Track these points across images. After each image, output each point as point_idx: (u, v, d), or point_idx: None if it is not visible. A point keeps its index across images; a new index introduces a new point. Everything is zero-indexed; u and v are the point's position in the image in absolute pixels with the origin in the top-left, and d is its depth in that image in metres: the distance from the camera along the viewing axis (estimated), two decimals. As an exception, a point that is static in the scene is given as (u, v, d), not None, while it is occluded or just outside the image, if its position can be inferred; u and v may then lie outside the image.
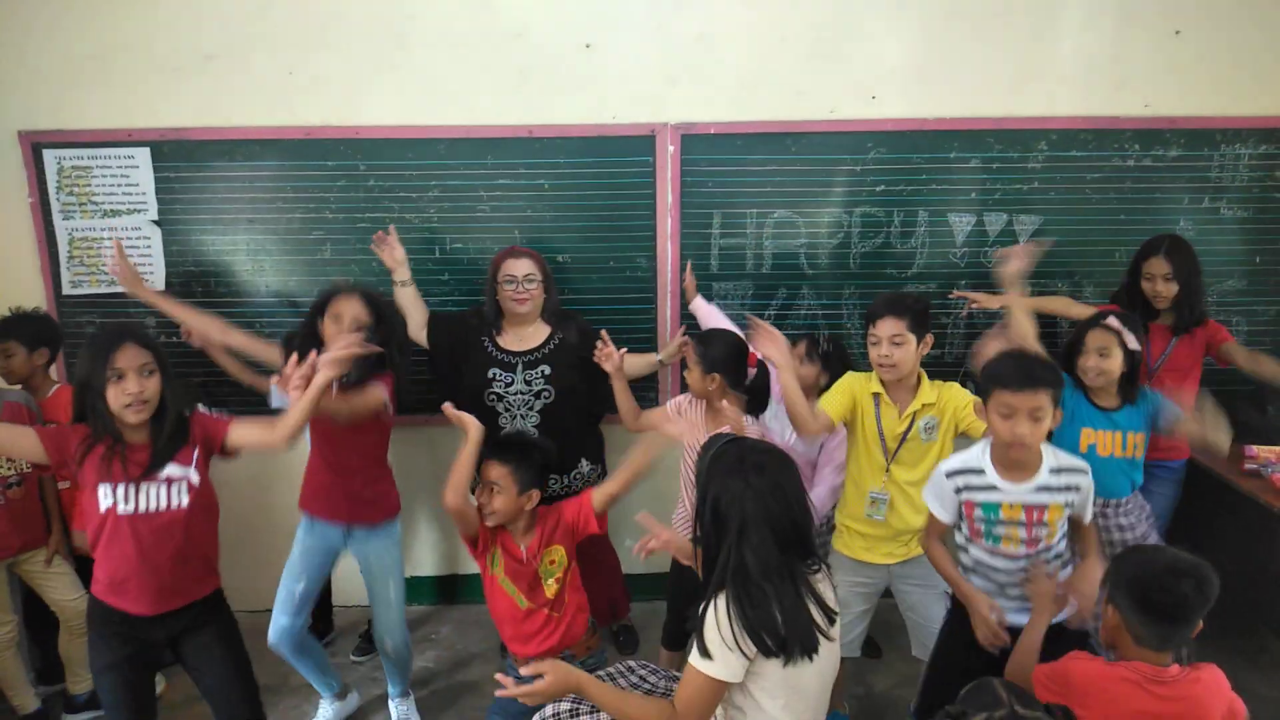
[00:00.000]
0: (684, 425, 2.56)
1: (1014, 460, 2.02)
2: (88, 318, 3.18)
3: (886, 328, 2.29)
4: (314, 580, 2.64)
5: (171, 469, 2.03)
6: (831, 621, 1.70)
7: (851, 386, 2.43)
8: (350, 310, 2.45)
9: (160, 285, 3.15)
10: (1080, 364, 2.46)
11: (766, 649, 1.61)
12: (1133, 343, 2.41)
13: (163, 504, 2.02)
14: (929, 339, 2.35)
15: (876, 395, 2.38)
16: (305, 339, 2.47)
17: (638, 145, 3.06)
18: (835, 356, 2.80)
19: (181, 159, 3.07)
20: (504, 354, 2.81)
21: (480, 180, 3.09)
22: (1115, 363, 2.41)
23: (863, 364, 2.52)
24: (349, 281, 2.62)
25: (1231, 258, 3.16)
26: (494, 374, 2.79)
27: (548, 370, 2.80)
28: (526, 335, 2.85)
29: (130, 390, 1.95)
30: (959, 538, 2.18)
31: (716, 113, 3.05)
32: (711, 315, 3.03)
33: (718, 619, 1.62)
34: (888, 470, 2.39)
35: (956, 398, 2.36)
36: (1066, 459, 2.06)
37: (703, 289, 3.17)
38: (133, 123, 3.04)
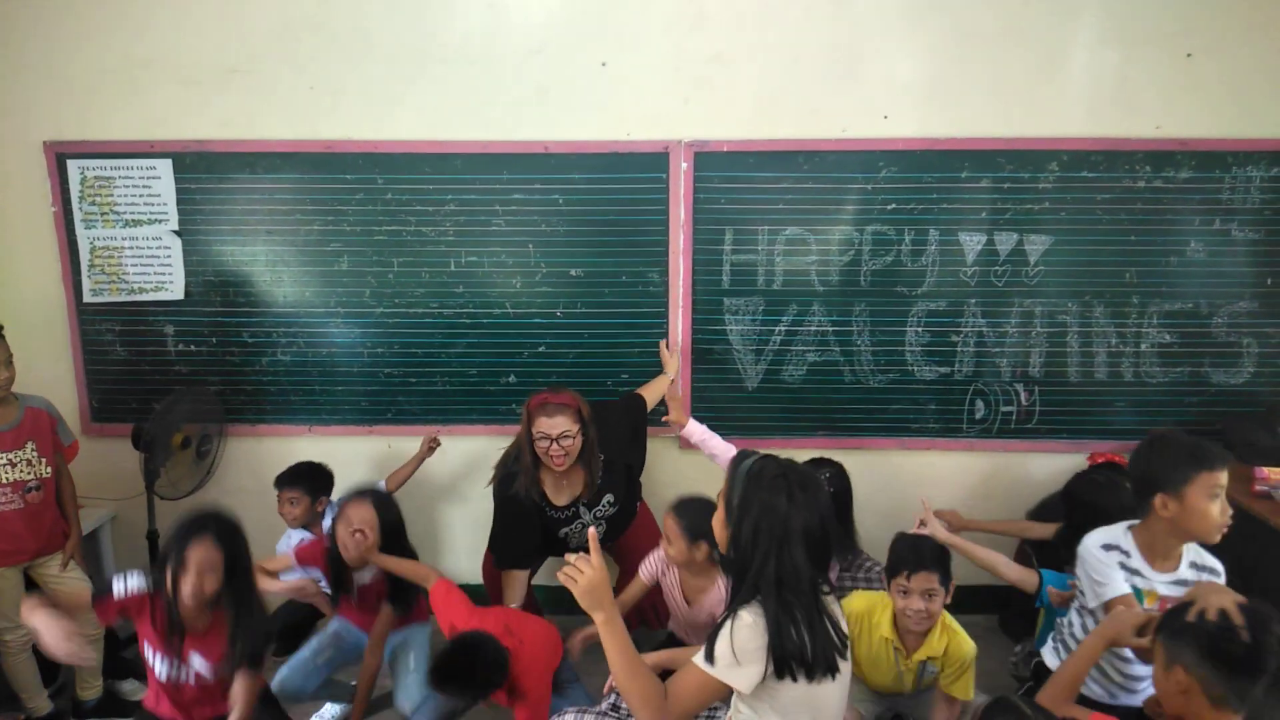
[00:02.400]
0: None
1: (1162, 550, 2.03)
2: (107, 325, 3.22)
3: (923, 581, 2.24)
4: (336, 661, 2.69)
5: (200, 664, 2.14)
6: (844, 642, 1.71)
7: (850, 618, 2.30)
8: (359, 515, 2.54)
9: (179, 294, 3.20)
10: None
11: (789, 669, 1.61)
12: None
13: (193, 680, 2.16)
14: (951, 588, 2.31)
15: (887, 640, 2.34)
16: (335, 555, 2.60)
17: (652, 162, 3.10)
18: (837, 488, 2.80)
19: (203, 171, 3.12)
20: (562, 511, 2.76)
21: (496, 195, 3.13)
22: None
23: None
24: (363, 487, 2.67)
25: (1242, 280, 3.16)
26: (564, 533, 2.78)
27: (612, 498, 2.80)
28: (572, 478, 2.75)
29: (188, 587, 2.03)
30: (1081, 620, 2.16)
31: (730, 131, 3.08)
32: (708, 438, 2.87)
33: (733, 631, 1.63)
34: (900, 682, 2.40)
35: (962, 652, 2.30)
36: (1207, 558, 2.06)
37: (713, 304, 3.20)
38: (155, 134, 3.10)
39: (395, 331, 3.23)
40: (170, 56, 3.06)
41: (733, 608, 1.67)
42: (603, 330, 3.22)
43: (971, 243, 3.15)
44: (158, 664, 2.14)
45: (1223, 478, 1.96)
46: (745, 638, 1.61)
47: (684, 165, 3.09)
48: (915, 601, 2.25)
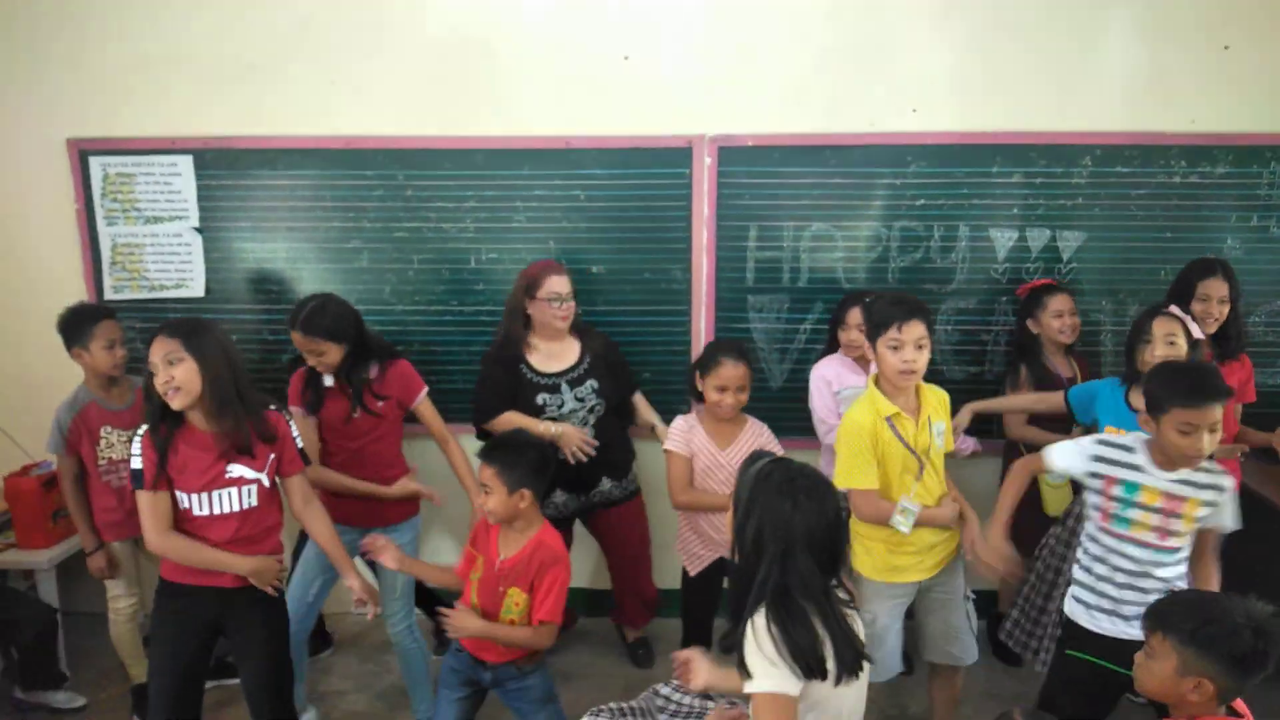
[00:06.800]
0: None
1: (1167, 459, 2.03)
2: (129, 322, 3.20)
3: (915, 331, 2.21)
4: (328, 585, 2.64)
5: (243, 470, 2.09)
6: (862, 654, 1.67)
7: (864, 432, 2.25)
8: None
9: (200, 291, 3.19)
10: (1146, 355, 2.40)
11: (808, 670, 1.58)
12: (1196, 331, 2.39)
13: (234, 506, 2.10)
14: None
15: (891, 417, 2.26)
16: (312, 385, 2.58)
17: (674, 157, 3.05)
18: None
19: (223, 167, 3.11)
20: (543, 377, 2.80)
21: (517, 191, 3.09)
22: (1181, 352, 2.37)
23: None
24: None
25: (1282, 277, 3.08)
26: (543, 400, 2.78)
27: (596, 385, 2.81)
28: (557, 353, 2.83)
29: (159, 380, 2.01)
30: (1088, 526, 2.15)
31: (754, 125, 3.03)
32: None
33: (756, 637, 1.60)
34: (919, 478, 2.31)
35: (945, 399, 2.40)
36: (1213, 463, 2.05)
37: (737, 302, 3.16)
38: (176, 131, 3.09)
39: (415, 329, 3.21)
40: (191, 52, 3.05)
41: (746, 616, 1.64)
42: (624, 328, 3.16)
43: (1003, 239, 3.08)
44: (194, 507, 2.07)
45: (1195, 416, 1.93)
46: (767, 641, 1.59)
47: (708, 160, 3.04)
48: (909, 352, 2.20)
